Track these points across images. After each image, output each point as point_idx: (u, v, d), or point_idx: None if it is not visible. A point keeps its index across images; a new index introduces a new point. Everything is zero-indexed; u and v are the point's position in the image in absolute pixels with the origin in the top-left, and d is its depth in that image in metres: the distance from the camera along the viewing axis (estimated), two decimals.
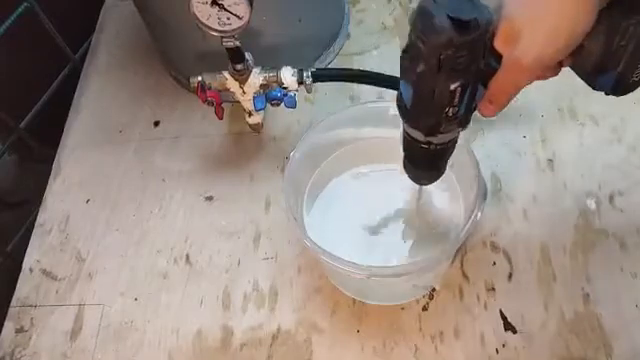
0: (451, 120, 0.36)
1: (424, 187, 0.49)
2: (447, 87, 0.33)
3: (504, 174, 0.59)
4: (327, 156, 0.55)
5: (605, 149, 0.60)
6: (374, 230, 0.53)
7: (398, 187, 0.51)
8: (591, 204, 0.57)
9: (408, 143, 0.41)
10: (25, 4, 0.64)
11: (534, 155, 0.60)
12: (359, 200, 0.54)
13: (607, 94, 0.35)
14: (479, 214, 0.45)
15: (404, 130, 0.40)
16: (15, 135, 0.66)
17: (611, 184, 0.57)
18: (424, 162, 0.42)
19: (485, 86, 0.36)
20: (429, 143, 0.39)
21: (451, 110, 0.35)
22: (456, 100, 0.34)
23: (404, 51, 0.34)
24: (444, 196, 0.53)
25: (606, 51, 0.31)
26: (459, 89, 0.34)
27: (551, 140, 0.61)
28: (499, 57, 0.34)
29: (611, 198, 0.57)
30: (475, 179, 0.46)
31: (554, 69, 0.35)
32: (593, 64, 0.32)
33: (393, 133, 0.46)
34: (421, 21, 0.32)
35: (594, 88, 0.34)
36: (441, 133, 0.37)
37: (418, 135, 0.38)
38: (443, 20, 0.31)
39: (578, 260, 0.54)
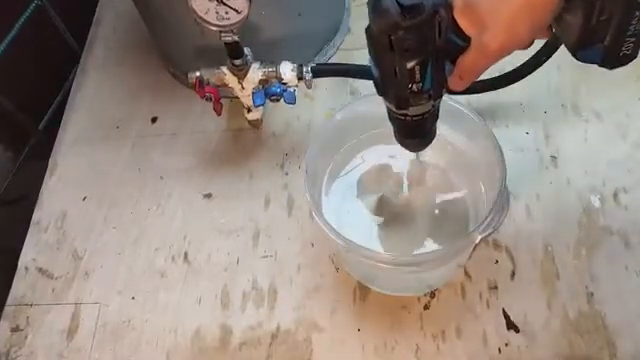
0: (418, 94, 0.37)
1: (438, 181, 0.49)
2: (404, 66, 0.34)
3: (507, 171, 0.58)
4: (353, 137, 0.55)
5: (609, 145, 0.59)
6: (390, 217, 0.53)
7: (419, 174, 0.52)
8: (595, 201, 0.56)
9: (389, 114, 0.42)
10: (36, 2, 0.64)
11: (537, 151, 0.60)
12: (379, 186, 0.54)
13: (600, 66, 0.34)
14: (500, 221, 0.44)
15: (384, 103, 0.41)
16: (34, 138, 0.68)
17: (615, 181, 0.57)
18: (405, 131, 0.43)
19: (453, 62, 0.36)
20: (405, 115, 0.40)
21: (415, 86, 0.36)
22: (417, 77, 0.35)
23: (365, 30, 0.35)
24: (467, 194, 0.53)
25: (586, 26, 0.31)
26: (417, 67, 0.34)
27: (554, 136, 0.60)
28: (465, 35, 0.34)
29: (615, 195, 0.56)
30: (499, 181, 0.45)
31: (528, 43, 0.35)
32: (576, 38, 0.32)
33: None
34: (372, 3, 0.33)
35: (580, 60, 0.34)
36: (412, 106, 0.38)
37: (392, 107, 0.40)
38: (390, 3, 0.32)
39: (582, 258, 0.53)
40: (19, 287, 0.59)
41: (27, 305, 0.57)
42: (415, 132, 0.43)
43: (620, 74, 0.65)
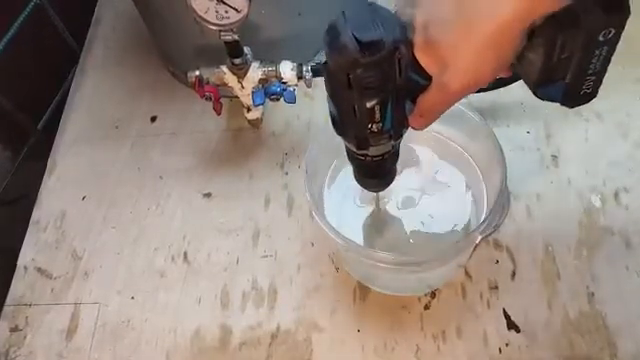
0: (378, 135, 0.35)
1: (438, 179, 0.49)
2: (364, 105, 0.33)
3: (507, 170, 0.58)
4: None
5: (610, 145, 0.59)
6: (390, 216, 0.52)
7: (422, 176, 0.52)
8: (596, 201, 0.56)
9: (348, 154, 0.41)
10: (35, 1, 0.64)
11: (538, 151, 0.59)
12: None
13: (562, 104, 0.34)
14: (500, 221, 0.44)
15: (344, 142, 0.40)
16: (33, 138, 0.68)
17: (616, 180, 0.57)
18: (365, 172, 0.43)
19: (413, 101, 0.35)
20: (365, 155, 0.39)
21: (375, 126, 0.34)
22: (377, 116, 0.34)
23: (322, 66, 0.34)
24: (467, 194, 0.52)
25: (547, 64, 0.30)
26: (377, 106, 0.33)
27: (555, 136, 0.60)
28: (426, 73, 0.33)
29: (616, 195, 0.56)
30: (500, 183, 0.45)
31: (489, 82, 0.34)
32: (537, 76, 0.31)
33: None
34: (329, 39, 0.31)
35: (541, 98, 0.33)
36: (372, 146, 0.37)
37: (352, 147, 0.38)
38: (348, 39, 0.30)
39: (582, 258, 0.53)
40: (18, 287, 0.58)
41: (26, 305, 0.57)
42: (375, 172, 0.42)
43: (620, 74, 0.65)
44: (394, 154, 0.40)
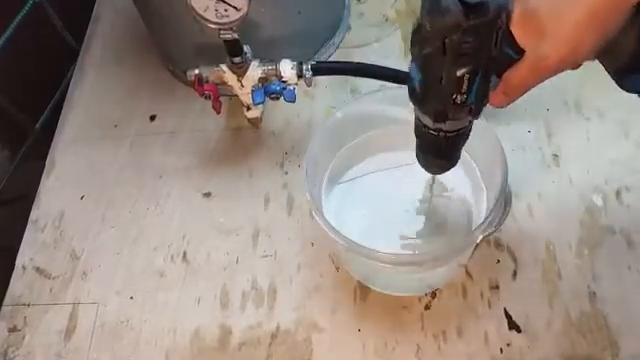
0: (460, 107, 0.34)
1: (439, 179, 0.48)
2: (454, 73, 0.32)
3: (508, 169, 0.58)
4: (354, 137, 0.54)
5: (612, 144, 0.59)
6: (389, 218, 0.52)
7: (420, 177, 0.51)
8: (597, 200, 0.56)
9: (418, 129, 0.39)
10: None
11: (539, 150, 0.59)
12: (379, 187, 0.53)
13: None
14: (501, 221, 0.44)
15: (415, 115, 0.39)
16: (32, 137, 0.68)
17: (618, 179, 0.56)
18: (434, 150, 0.41)
19: (499, 76, 0.34)
20: (438, 130, 0.37)
21: (459, 97, 0.33)
22: (464, 87, 0.33)
23: (413, 31, 0.33)
24: (468, 193, 0.52)
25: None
26: (467, 76, 0.32)
27: (557, 135, 0.60)
28: (518, 47, 0.32)
29: (618, 194, 0.56)
30: (501, 183, 0.45)
31: (585, 59, 0.33)
32: (625, 62, 0.30)
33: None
34: (429, 1, 0.30)
35: (623, 88, 0.32)
36: (450, 120, 0.36)
37: (427, 121, 0.37)
38: (451, 1, 0.29)
39: (584, 258, 0.53)
40: (17, 287, 0.58)
41: (25, 305, 0.57)
42: (444, 151, 0.41)
43: None
44: (467, 133, 0.39)
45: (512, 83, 0.34)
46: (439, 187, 0.53)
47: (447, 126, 0.37)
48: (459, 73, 0.32)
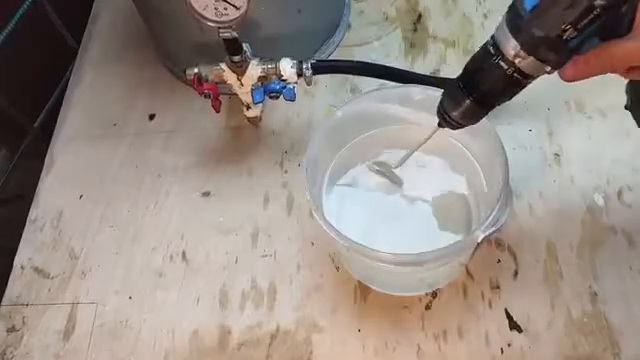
0: (559, 45, 0.32)
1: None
2: (590, 1, 0.30)
3: (509, 169, 0.58)
4: (354, 136, 0.53)
5: (613, 143, 0.58)
6: (390, 218, 0.52)
7: (420, 177, 0.51)
8: (599, 200, 0.55)
9: (484, 58, 0.36)
10: None
11: (540, 149, 0.59)
12: (379, 186, 0.53)
13: None
14: (502, 221, 0.43)
15: (493, 41, 0.36)
16: (31, 136, 0.68)
17: (619, 179, 0.56)
18: (482, 86, 0.38)
19: (602, 39, 0.33)
20: (511, 65, 0.35)
21: (570, 31, 0.31)
22: (584, 22, 0.31)
23: None
24: (469, 193, 0.52)
25: None
26: (594, 11, 0.30)
27: (558, 134, 0.60)
28: (632, 25, 0.31)
29: (619, 194, 0.55)
30: (502, 182, 0.44)
31: None
32: None
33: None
34: None
35: None
36: (537, 57, 0.33)
37: (511, 48, 0.34)
38: None
39: (585, 257, 0.52)
40: (15, 287, 0.58)
41: (23, 305, 0.57)
42: (491, 93, 0.38)
43: None
44: (522, 88, 0.37)
45: (612, 52, 0.32)
46: (440, 186, 0.52)
47: (525, 63, 0.34)
48: (596, 3, 0.30)
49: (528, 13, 0.33)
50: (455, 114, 0.41)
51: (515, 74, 0.35)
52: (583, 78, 0.34)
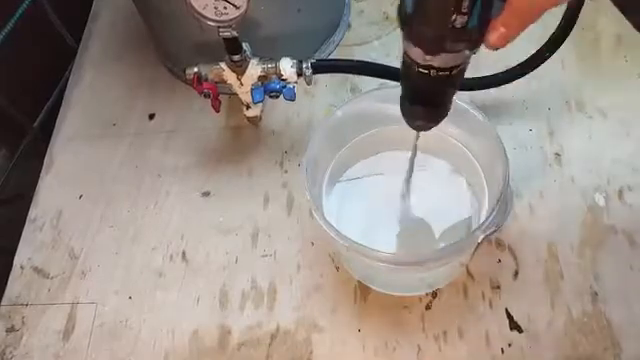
0: (458, 34, 0.30)
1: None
2: None
3: (510, 168, 0.58)
4: (354, 135, 0.53)
5: (614, 143, 0.58)
6: (390, 218, 0.52)
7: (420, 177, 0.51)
8: (599, 199, 0.55)
9: (406, 68, 0.35)
10: None
11: (541, 149, 0.59)
12: (380, 186, 0.53)
13: None
14: (503, 221, 0.44)
15: (403, 51, 0.34)
16: (30, 136, 0.67)
17: (620, 179, 0.56)
18: (421, 93, 0.37)
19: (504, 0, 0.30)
20: (429, 68, 0.33)
21: (459, 19, 0.29)
22: (466, 4, 0.28)
23: None
24: (469, 193, 0.52)
25: None
26: None
27: (558, 134, 0.60)
28: None
29: (620, 193, 0.55)
30: (502, 182, 0.44)
31: None
32: None
33: None
34: None
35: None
36: (445, 52, 0.32)
37: (417, 55, 0.33)
38: None
39: (586, 257, 0.52)
40: (14, 287, 0.58)
41: (22, 305, 0.56)
42: (432, 96, 0.37)
43: (624, 68, 0.65)
44: (460, 75, 0.35)
45: (516, 7, 0.29)
46: (440, 186, 0.52)
47: (439, 61, 0.33)
48: None
49: (412, 19, 0.32)
50: (420, 122, 0.41)
51: (440, 72, 0.34)
52: (512, 39, 0.31)
